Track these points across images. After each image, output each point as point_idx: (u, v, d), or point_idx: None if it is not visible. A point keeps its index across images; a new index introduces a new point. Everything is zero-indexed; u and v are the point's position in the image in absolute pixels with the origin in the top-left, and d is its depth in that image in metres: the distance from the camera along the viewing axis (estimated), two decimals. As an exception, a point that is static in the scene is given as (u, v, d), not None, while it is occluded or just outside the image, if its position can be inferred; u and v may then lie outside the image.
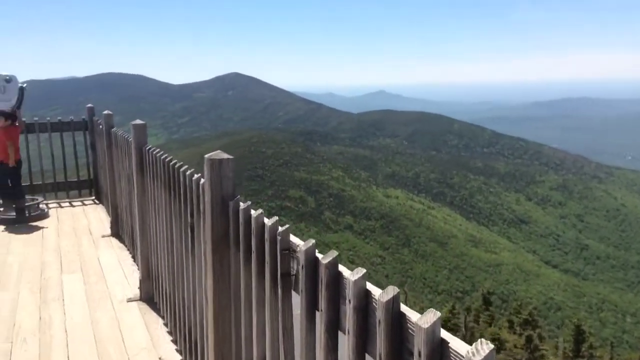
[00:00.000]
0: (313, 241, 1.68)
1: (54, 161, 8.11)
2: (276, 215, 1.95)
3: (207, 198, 2.39)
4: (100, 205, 7.99)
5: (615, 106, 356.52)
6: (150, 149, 3.95)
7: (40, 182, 8.21)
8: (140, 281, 4.45)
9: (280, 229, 1.84)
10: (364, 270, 1.43)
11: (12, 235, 6.50)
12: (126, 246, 5.89)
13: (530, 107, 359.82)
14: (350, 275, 1.43)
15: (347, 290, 1.45)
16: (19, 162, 7.22)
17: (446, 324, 24.48)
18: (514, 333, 24.81)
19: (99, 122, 7.09)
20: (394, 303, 1.28)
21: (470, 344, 1.06)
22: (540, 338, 24.38)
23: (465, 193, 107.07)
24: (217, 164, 2.34)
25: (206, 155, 2.37)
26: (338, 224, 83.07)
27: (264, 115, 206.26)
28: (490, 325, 26.44)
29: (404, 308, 1.30)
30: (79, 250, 5.85)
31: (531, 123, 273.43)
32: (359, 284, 1.39)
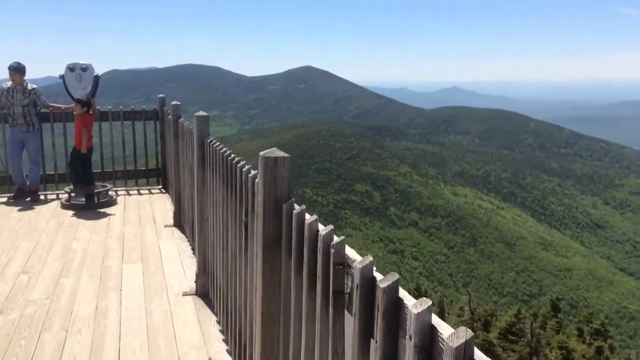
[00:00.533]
0: (370, 258, 1.44)
1: (125, 149, 8.28)
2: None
3: (260, 198, 2.20)
4: (167, 194, 8.04)
5: None
6: (211, 141, 3.84)
7: (111, 170, 8.36)
8: (197, 275, 4.38)
9: (335, 239, 1.62)
10: (429, 302, 1.18)
11: (80, 221, 6.62)
12: (187, 237, 5.86)
13: (615, 107, 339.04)
14: (413, 306, 1.18)
15: (408, 323, 1.20)
16: (90, 150, 7.38)
17: (510, 328, 23.56)
18: (583, 342, 23.49)
19: (168, 112, 7.15)
20: (466, 349, 1.04)
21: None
22: (612, 349, 22.97)
23: (537, 194, 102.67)
24: (271, 162, 2.14)
25: (261, 153, 2.18)
26: (403, 220, 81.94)
27: (334, 109, 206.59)
28: (557, 333, 25.19)
29: (477, 355, 1.07)
30: (142, 239, 5.89)
31: (616, 123, 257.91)
32: (423, 317, 1.15)
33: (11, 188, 7.93)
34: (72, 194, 7.40)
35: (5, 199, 7.67)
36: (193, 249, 5.35)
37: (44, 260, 5.13)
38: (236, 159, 3.03)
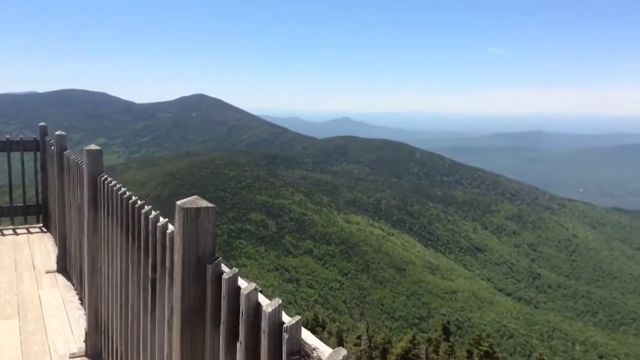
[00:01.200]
0: (344, 352, 1.22)
1: None
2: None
3: (178, 257, 1.82)
4: (48, 234, 7.22)
5: (574, 140, 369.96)
6: (105, 179, 3.36)
7: None
8: (87, 334, 3.79)
9: (288, 321, 1.30)
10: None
11: None
12: (74, 285, 5.21)
13: (491, 138, 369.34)
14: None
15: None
16: None
17: (407, 355, 24.09)
18: (475, 365, 24.59)
19: (51, 142, 6.44)
20: None
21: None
22: (500, 370, 24.21)
23: (424, 220, 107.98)
24: (192, 213, 1.78)
25: (178, 202, 1.81)
26: (298, 248, 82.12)
27: (227, 138, 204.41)
28: (450, 357, 26.16)
29: None
30: (19, 289, 5.14)
31: (491, 154, 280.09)
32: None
33: None
34: None
35: None
36: (81, 300, 4.75)
37: None
38: (139, 202, 2.61)
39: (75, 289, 5.10)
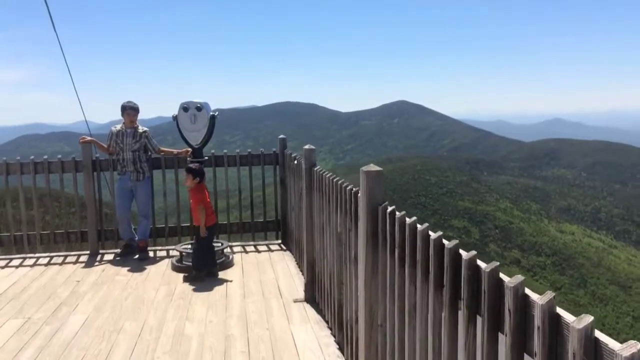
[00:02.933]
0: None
1: (241, 199, 7.41)
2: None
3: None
4: (288, 252, 7.06)
5: None
6: (391, 212, 2.84)
7: (226, 222, 7.66)
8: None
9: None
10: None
11: (193, 290, 5.80)
12: (327, 322, 4.70)
13: None
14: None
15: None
16: (212, 227, 6.23)
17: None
18: None
19: (294, 156, 6.27)
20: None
21: None
22: None
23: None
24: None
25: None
26: (504, 258, 78.10)
27: (428, 143, 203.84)
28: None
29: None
30: (269, 322, 4.82)
31: None
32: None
33: (119, 243, 7.37)
34: (184, 254, 6.57)
35: (112, 256, 7.08)
36: (340, 345, 4.20)
37: (152, 354, 4.20)
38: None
39: (330, 328, 4.60)
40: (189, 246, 6.72)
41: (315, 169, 4.88)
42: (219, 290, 5.76)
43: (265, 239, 7.72)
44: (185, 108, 6.42)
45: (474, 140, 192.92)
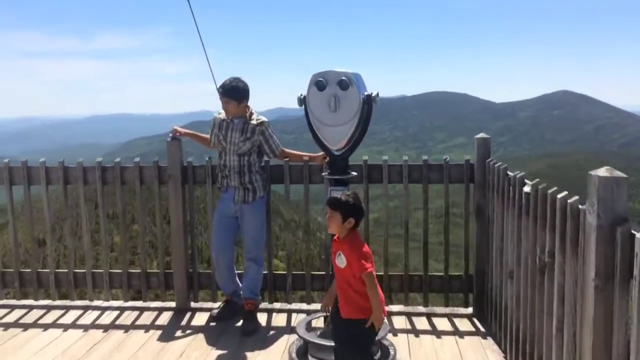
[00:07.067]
0: None
1: (408, 236, 4.58)
2: None
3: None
4: (490, 340, 3.89)
5: None
6: None
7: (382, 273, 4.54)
8: None
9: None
10: None
11: None
12: None
13: None
14: None
15: None
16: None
17: None
18: None
19: (504, 168, 3.92)
20: None
21: None
22: None
23: None
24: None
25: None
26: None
27: (595, 137, 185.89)
28: None
29: None
30: None
31: None
32: None
33: (220, 296, 4.70)
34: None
35: (206, 316, 4.40)
36: None
37: None
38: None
39: None
40: (322, 322, 3.75)
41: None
42: None
43: (446, 304, 4.57)
44: (319, 83, 3.52)
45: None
